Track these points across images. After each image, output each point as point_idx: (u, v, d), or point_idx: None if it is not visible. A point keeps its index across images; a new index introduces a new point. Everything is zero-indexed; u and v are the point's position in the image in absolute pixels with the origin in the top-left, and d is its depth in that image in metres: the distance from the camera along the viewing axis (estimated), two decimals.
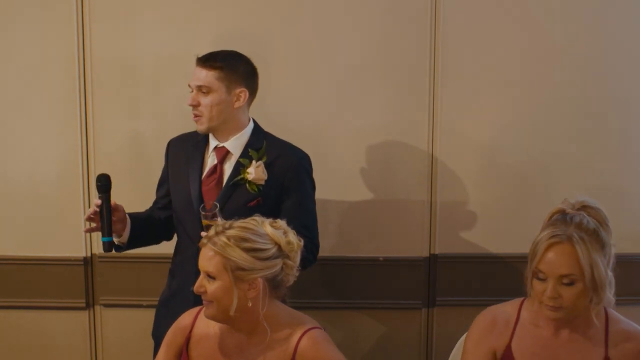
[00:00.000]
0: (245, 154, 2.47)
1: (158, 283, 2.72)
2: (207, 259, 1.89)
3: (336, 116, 2.99)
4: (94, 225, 2.41)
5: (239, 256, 1.86)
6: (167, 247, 2.66)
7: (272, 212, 2.38)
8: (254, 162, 2.45)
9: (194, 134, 2.54)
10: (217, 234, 1.90)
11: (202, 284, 1.90)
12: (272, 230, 1.91)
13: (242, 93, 2.47)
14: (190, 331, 2.02)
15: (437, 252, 3.04)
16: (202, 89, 2.43)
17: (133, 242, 2.53)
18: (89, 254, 3.06)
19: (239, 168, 2.45)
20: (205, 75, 2.43)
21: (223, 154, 2.49)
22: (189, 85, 2.47)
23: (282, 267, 1.92)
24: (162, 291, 2.63)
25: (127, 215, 2.47)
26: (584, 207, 1.97)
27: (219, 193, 2.46)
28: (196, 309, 2.05)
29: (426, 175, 3.01)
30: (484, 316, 2.07)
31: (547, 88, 2.97)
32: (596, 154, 3.01)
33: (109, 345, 3.12)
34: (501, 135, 3.00)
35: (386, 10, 2.93)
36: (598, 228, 1.92)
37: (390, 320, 3.08)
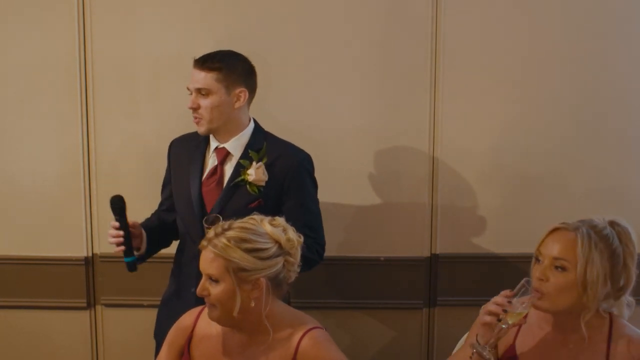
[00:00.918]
0: (245, 155, 2.46)
1: (159, 283, 2.72)
2: (209, 262, 1.87)
3: (337, 117, 2.99)
4: (122, 247, 2.39)
5: (241, 257, 1.85)
6: (167, 247, 2.66)
7: (273, 214, 2.37)
8: (254, 163, 2.43)
9: (196, 135, 2.53)
10: (216, 235, 1.88)
11: (205, 287, 1.89)
12: (272, 229, 1.90)
13: (242, 93, 2.45)
14: (192, 331, 2.02)
15: (438, 252, 3.05)
16: (202, 91, 2.41)
17: (150, 252, 2.53)
18: (90, 254, 3.06)
19: (239, 169, 2.44)
20: (204, 77, 2.41)
21: (223, 155, 2.49)
22: (188, 88, 2.45)
23: (283, 265, 1.91)
24: (164, 291, 2.63)
25: (142, 229, 2.47)
26: (612, 223, 1.94)
27: (219, 194, 2.45)
28: (198, 308, 2.05)
29: (427, 175, 3.01)
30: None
31: (548, 89, 2.97)
32: (597, 155, 3.00)
33: (110, 345, 3.12)
34: (502, 136, 3.00)
35: (387, 11, 2.93)
36: (613, 239, 1.89)
37: (391, 320, 3.08)
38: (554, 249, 1.88)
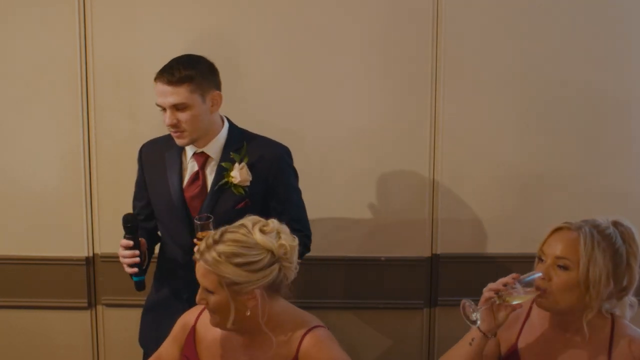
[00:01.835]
0: (226, 157, 2.41)
1: None
2: (202, 275, 1.86)
3: (337, 116, 2.99)
4: (136, 269, 2.34)
5: (232, 272, 1.82)
6: None
7: (261, 211, 2.34)
8: (236, 164, 2.39)
9: (167, 138, 2.47)
10: (207, 247, 1.85)
11: (203, 296, 1.87)
12: (263, 238, 1.85)
13: (217, 96, 2.40)
14: (195, 325, 2.02)
15: (438, 252, 3.04)
16: (178, 107, 2.33)
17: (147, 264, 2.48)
18: (90, 254, 3.06)
19: (222, 172, 2.40)
20: (177, 93, 2.32)
21: (203, 160, 2.44)
22: (158, 104, 2.35)
23: (279, 269, 1.87)
24: (147, 297, 2.60)
25: (146, 245, 2.43)
26: (615, 223, 1.93)
27: (204, 199, 2.42)
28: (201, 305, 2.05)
29: (428, 175, 3.01)
30: None
31: (549, 89, 2.97)
32: (598, 155, 3.00)
33: (111, 344, 3.12)
34: (503, 136, 3.00)
35: (387, 11, 2.93)
36: (616, 238, 1.89)
37: (392, 320, 3.08)
38: (556, 248, 1.88)
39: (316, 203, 2.99)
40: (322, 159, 3.00)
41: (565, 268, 1.87)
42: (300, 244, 2.27)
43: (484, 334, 1.87)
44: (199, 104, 2.35)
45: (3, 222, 3.04)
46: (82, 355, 3.13)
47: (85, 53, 2.96)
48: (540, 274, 1.87)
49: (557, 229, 1.92)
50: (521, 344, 2.00)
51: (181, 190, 2.44)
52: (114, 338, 3.11)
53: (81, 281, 3.06)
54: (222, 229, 1.89)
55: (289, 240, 1.89)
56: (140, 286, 2.39)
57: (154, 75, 2.94)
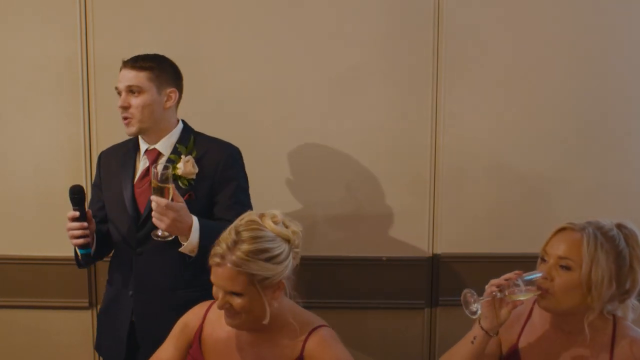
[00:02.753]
0: (174, 151, 2.47)
1: None
2: (229, 279, 1.83)
3: (339, 117, 2.99)
4: (88, 239, 2.36)
5: (262, 268, 1.84)
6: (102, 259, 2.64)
7: (205, 206, 2.42)
8: (182, 157, 2.43)
9: (125, 143, 2.55)
10: (229, 250, 1.84)
11: (227, 300, 1.86)
12: (278, 229, 1.89)
13: (173, 93, 2.48)
14: (202, 323, 2.02)
15: (439, 252, 3.05)
16: (133, 89, 2.42)
17: (96, 255, 2.49)
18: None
19: (169, 165, 2.42)
20: (136, 76, 2.42)
21: (154, 156, 2.49)
22: (117, 88, 2.45)
23: (293, 257, 1.91)
24: (102, 303, 2.62)
25: (94, 223, 2.43)
26: (619, 225, 1.93)
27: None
28: (207, 303, 2.05)
29: (429, 175, 3.01)
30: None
31: (550, 89, 2.98)
32: (599, 154, 3.01)
33: None
34: (504, 136, 3.00)
35: (389, 11, 2.93)
36: (619, 241, 1.88)
37: (393, 320, 3.08)
38: (559, 248, 1.88)
39: (316, 203, 3.01)
40: (322, 159, 3.00)
41: (567, 268, 1.87)
42: None
43: (486, 332, 1.87)
44: (153, 94, 2.44)
45: (4, 222, 3.05)
46: (83, 354, 3.13)
47: (86, 53, 2.96)
48: (542, 274, 1.87)
49: (561, 229, 1.92)
50: (522, 344, 2.00)
51: (132, 187, 2.48)
52: None
53: (82, 281, 3.06)
54: (232, 229, 1.89)
55: (297, 226, 1.93)
56: (86, 260, 2.40)
57: None
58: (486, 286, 1.87)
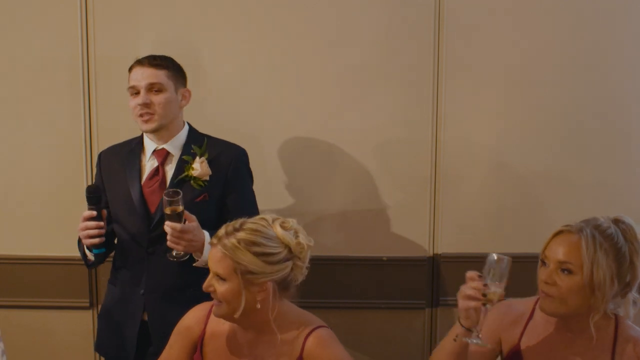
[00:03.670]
0: (186, 152, 2.48)
1: None
2: (217, 260, 1.88)
3: (340, 117, 2.99)
4: (103, 239, 2.37)
5: (249, 260, 1.85)
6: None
7: (218, 207, 2.45)
8: (197, 158, 2.45)
9: (127, 143, 2.56)
10: (227, 234, 1.89)
11: (211, 284, 1.90)
12: (282, 232, 1.90)
13: (187, 93, 2.53)
14: (205, 327, 2.03)
15: (440, 252, 3.04)
16: (155, 87, 2.43)
17: (104, 255, 2.51)
18: None
19: (183, 166, 2.46)
20: (156, 74, 2.44)
21: (164, 156, 2.49)
22: (133, 87, 2.45)
23: (291, 268, 1.92)
24: (103, 303, 2.61)
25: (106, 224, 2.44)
26: (616, 220, 1.93)
27: (163, 194, 2.43)
28: (208, 304, 2.05)
29: (429, 175, 3.01)
30: (498, 305, 2.06)
31: (551, 89, 2.98)
32: (599, 156, 3.00)
33: None
34: (504, 136, 3.00)
35: (390, 11, 2.93)
36: (617, 236, 1.88)
37: (393, 320, 3.08)
38: (558, 252, 1.88)
39: (317, 203, 3.01)
40: (322, 158, 3.00)
41: (569, 272, 1.87)
42: None
43: (467, 329, 1.86)
44: (172, 92, 2.47)
45: (5, 222, 3.05)
46: (84, 354, 3.13)
47: (87, 52, 2.96)
48: (494, 256, 1.84)
49: (558, 233, 1.91)
50: (524, 344, 2.00)
51: (140, 187, 2.48)
52: None
53: (83, 281, 3.06)
54: (241, 220, 1.93)
55: (306, 240, 1.93)
56: (100, 259, 2.41)
57: None
58: (459, 298, 1.84)
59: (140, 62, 2.46)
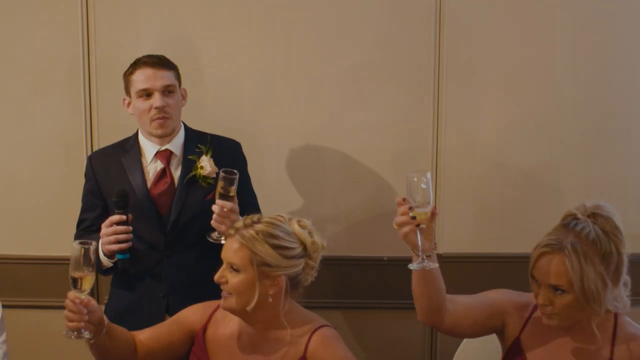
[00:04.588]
0: (192, 151, 2.46)
1: None
2: (233, 251, 1.89)
3: (340, 116, 2.99)
4: (130, 244, 2.34)
5: (266, 252, 1.87)
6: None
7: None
8: (204, 156, 2.45)
9: (119, 145, 2.52)
10: (245, 226, 1.91)
11: (224, 275, 1.90)
12: (299, 230, 1.94)
13: (184, 92, 2.52)
14: (207, 323, 2.03)
15: (441, 251, 3.04)
16: (169, 89, 2.41)
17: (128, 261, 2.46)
18: None
19: (189, 165, 2.45)
20: (168, 75, 2.42)
21: (167, 157, 2.48)
22: (146, 89, 2.39)
23: (303, 267, 1.94)
24: (110, 306, 2.56)
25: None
26: (594, 215, 1.90)
27: (173, 195, 2.44)
28: (214, 304, 2.06)
29: (431, 175, 3.00)
30: (508, 290, 2.10)
31: (552, 88, 2.98)
32: (600, 156, 3.01)
33: None
34: (505, 135, 3.00)
35: (390, 11, 2.93)
36: (599, 238, 1.86)
37: (394, 320, 3.08)
38: (547, 277, 1.88)
39: (318, 203, 3.01)
40: (323, 158, 3.00)
41: (562, 291, 1.87)
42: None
43: (416, 254, 1.93)
44: (179, 92, 2.46)
45: (5, 222, 3.05)
46: (84, 354, 3.11)
47: (87, 51, 2.96)
48: (413, 174, 1.91)
49: (542, 254, 1.88)
50: (524, 339, 2.02)
51: (147, 190, 2.44)
52: None
53: None
54: (258, 215, 1.96)
55: (320, 240, 1.96)
56: (124, 265, 2.36)
57: None
58: (395, 224, 1.89)
59: (147, 64, 2.40)
